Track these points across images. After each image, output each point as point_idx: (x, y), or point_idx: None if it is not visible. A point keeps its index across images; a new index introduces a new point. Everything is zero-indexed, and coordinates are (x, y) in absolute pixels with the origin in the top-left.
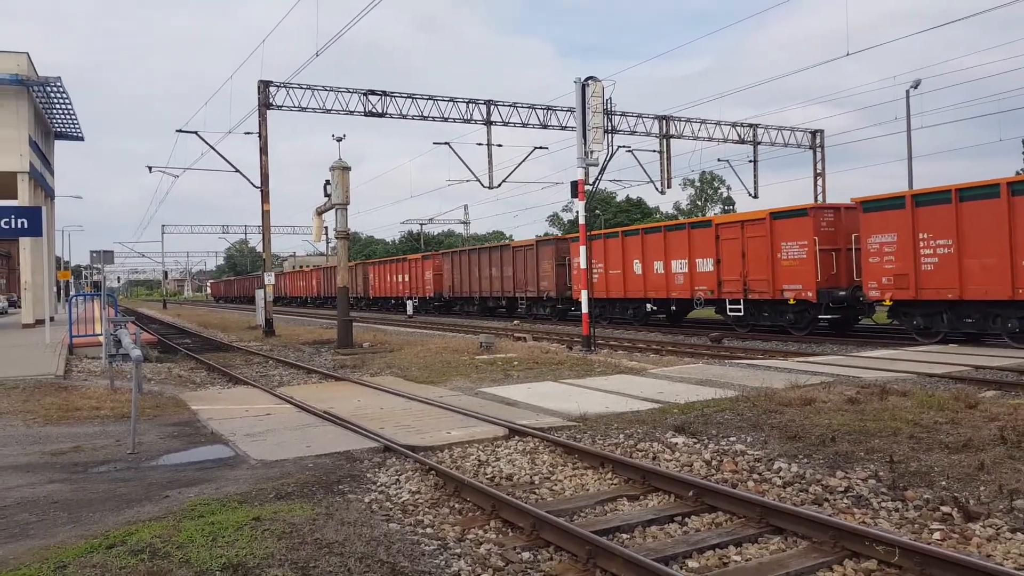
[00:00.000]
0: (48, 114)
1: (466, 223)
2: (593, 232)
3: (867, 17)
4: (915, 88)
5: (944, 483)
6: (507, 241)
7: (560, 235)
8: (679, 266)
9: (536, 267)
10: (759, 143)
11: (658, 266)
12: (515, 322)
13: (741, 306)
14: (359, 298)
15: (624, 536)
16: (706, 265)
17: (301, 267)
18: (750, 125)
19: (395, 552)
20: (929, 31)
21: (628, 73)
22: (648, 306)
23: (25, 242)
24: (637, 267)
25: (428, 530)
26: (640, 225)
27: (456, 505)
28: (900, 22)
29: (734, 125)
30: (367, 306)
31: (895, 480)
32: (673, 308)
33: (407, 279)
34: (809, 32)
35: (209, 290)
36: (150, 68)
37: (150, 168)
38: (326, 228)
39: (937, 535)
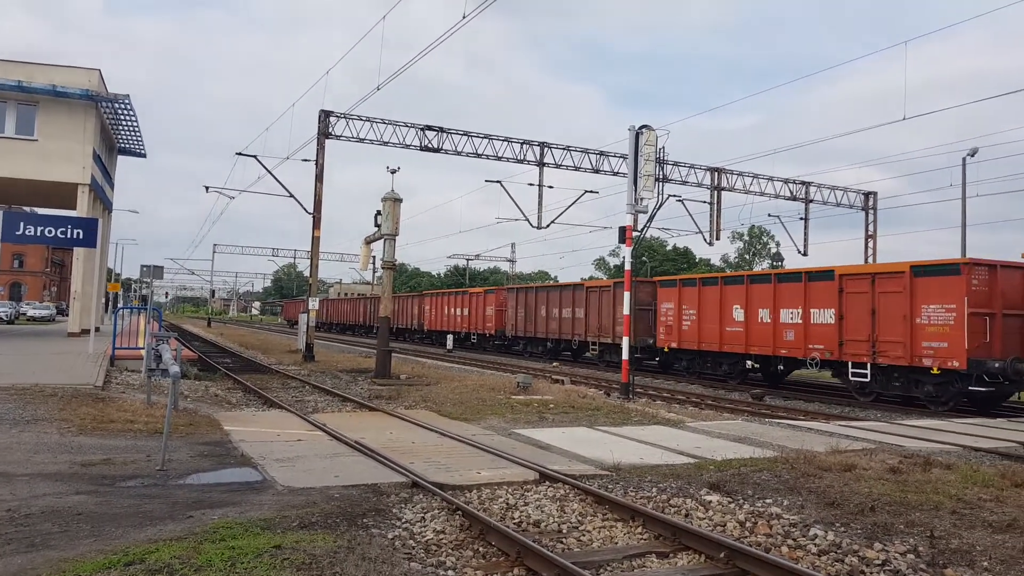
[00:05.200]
0: (114, 130)
1: (512, 261)
2: (685, 277)
3: (913, 84)
4: (972, 156)
5: (986, 564)
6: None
7: None
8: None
9: None
10: (811, 201)
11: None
12: (554, 364)
13: (597, 347)
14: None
15: None
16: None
17: (345, 294)
18: (803, 182)
19: None
20: (983, 101)
21: (680, 124)
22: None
23: (79, 252)
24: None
25: (450, 572)
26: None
27: (480, 548)
28: (945, 90)
29: (786, 181)
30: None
31: (935, 556)
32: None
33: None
34: (855, 94)
35: (281, 313)
36: (213, 91)
37: (207, 188)
38: (373, 257)
39: None
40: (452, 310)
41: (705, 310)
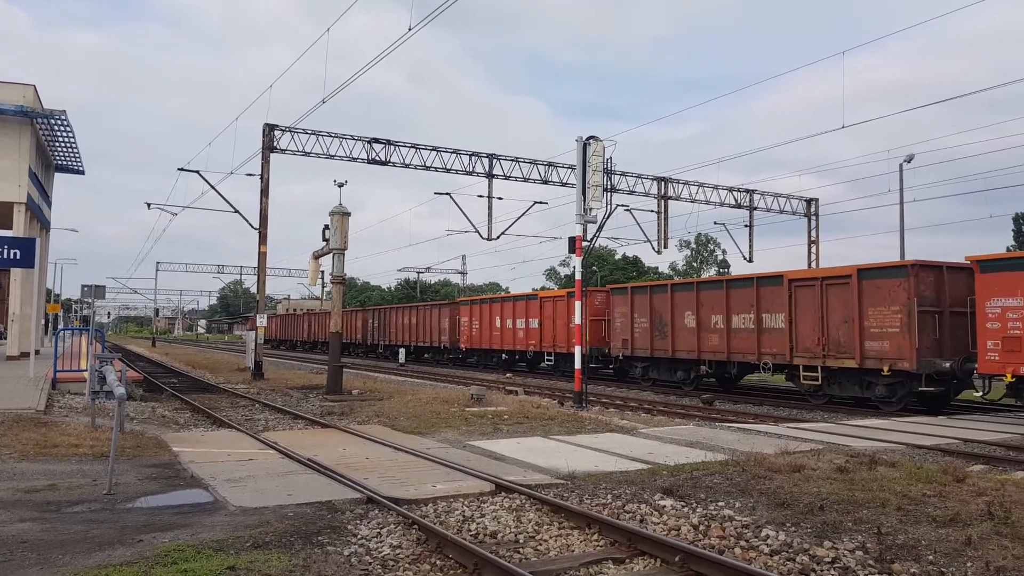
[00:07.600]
0: (50, 146)
1: (463, 273)
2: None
3: (849, 92)
4: (908, 163)
5: (931, 557)
6: None
7: None
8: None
9: None
10: (755, 208)
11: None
12: (508, 375)
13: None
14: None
15: None
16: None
17: (294, 310)
18: (747, 190)
19: None
20: (916, 109)
21: (626, 135)
22: None
23: (16, 273)
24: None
25: None
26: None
27: (438, 562)
28: (882, 98)
29: (731, 190)
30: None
31: (882, 552)
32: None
33: None
34: (796, 104)
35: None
36: (154, 106)
37: (149, 205)
38: (322, 272)
39: None
40: (510, 322)
41: None
